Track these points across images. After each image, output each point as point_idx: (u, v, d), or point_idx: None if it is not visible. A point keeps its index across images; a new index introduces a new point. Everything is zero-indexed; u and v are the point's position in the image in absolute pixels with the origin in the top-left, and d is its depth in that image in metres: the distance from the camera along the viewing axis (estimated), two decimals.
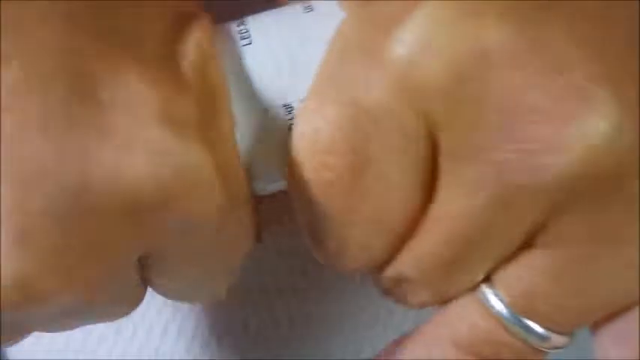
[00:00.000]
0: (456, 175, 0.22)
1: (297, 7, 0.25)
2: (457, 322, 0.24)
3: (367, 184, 0.23)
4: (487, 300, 0.24)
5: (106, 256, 0.22)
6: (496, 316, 0.24)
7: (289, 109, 0.25)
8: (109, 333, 0.36)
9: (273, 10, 0.26)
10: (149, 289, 0.26)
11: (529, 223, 0.22)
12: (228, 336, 0.37)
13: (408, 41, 0.22)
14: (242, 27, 0.25)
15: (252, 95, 0.24)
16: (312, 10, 0.25)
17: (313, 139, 0.23)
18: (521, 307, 0.24)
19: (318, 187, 0.23)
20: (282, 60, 0.25)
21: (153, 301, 0.36)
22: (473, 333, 0.24)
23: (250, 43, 0.25)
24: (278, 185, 0.26)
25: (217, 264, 0.25)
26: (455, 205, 0.23)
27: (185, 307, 0.36)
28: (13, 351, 0.36)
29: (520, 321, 0.23)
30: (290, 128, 0.25)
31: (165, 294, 0.26)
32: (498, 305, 0.24)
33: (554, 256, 0.23)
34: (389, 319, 0.37)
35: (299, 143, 0.24)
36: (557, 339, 0.24)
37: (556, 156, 0.21)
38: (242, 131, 0.24)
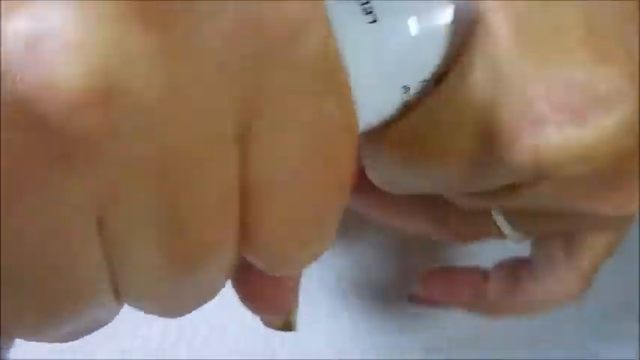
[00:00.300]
0: None
1: None
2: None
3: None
4: (501, 222, 0.30)
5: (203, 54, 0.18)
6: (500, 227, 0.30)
7: (406, 90, 0.24)
8: (109, 333, 0.36)
9: None
10: None
11: None
12: (228, 335, 0.37)
13: (561, 153, 0.24)
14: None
15: (371, 73, 0.24)
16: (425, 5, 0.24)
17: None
18: (521, 230, 0.30)
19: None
20: (407, 42, 0.24)
21: None
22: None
23: (375, 21, 0.23)
24: None
25: (320, 170, 0.21)
26: None
27: None
28: (13, 351, 0.36)
29: (512, 231, 0.30)
30: (404, 107, 0.25)
31: (266, 242, 0.21)
32: (505, 226, 0.30)
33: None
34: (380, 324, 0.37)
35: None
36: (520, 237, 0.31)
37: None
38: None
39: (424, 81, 0.24)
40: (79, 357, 0.36)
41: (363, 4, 0.23)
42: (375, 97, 0.24)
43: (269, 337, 0.37)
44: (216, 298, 0.37)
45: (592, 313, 0.37)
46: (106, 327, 0.38)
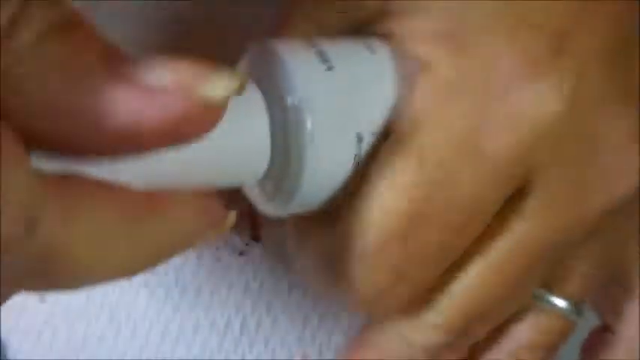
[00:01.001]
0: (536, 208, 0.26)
1: (361, 45, 0.26)
2: (524, 332, 0.29)
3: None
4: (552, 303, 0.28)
5: None
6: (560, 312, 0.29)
7: (360, 140, 0.25)
8: (109, 333, 0.36)
9: (339, 41, 0.26)
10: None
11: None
12: (227, 336, 0.37)
13: None
14: (318, 48, 0.25)
15: (327, 119, 0.24)
16: (375, 54, 0.25)
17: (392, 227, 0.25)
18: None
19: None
20: (361, 91, 0.25)
21: (153, 301, 0.36)
22: (538, 334, 0.29)
23: (331, 69, 0.24)
24: (308, 208, 0.26)
25: None
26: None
27: (185, 306, 0.36)
28: (13, 351, 0.36)
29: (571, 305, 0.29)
30: (355, 160, 0.25)
31: None
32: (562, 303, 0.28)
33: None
34: None
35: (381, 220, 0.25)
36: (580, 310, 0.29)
37: (629, 179, 0.26)
38: (308, 150, 0.24)
39: (375, 133, 0.25)
40: (80, 357, 0.36)
41: (320, 53, 0.24)
42: (331, 144, 0.24)
43: (269, 337, 0.37)
44: (216, 297, 0.37)
45: (593, 312, 0.37)
46: (106, 327, 0.38)
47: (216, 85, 0.19)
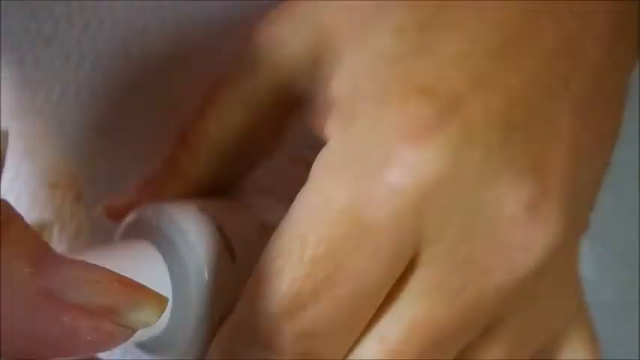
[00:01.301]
0: (430, 281, 0.24)
1: (257, 225, 0.27)
2: None
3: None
4: None
5: None
6: None
7: None
8: None
9: (239, 220, 0.27)
10: None
11: (496, 313, 0.25)
12: None
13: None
14: (226, 237, 0.26)
15: (226, 300, 0.26)
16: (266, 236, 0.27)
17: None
18: None
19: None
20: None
21: None
22: None
23: (234, 261, 0.26)
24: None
25: None
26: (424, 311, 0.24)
27: None
28: None
29: None
30: None
31: None
32: None
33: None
34: None
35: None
36: None
37: (528, 253, 0.24)
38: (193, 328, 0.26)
39: None
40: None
41: (226, 242, 0.26)
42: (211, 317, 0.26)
43: None
44: None
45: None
46: None
47: (143, 311, 0.19)
